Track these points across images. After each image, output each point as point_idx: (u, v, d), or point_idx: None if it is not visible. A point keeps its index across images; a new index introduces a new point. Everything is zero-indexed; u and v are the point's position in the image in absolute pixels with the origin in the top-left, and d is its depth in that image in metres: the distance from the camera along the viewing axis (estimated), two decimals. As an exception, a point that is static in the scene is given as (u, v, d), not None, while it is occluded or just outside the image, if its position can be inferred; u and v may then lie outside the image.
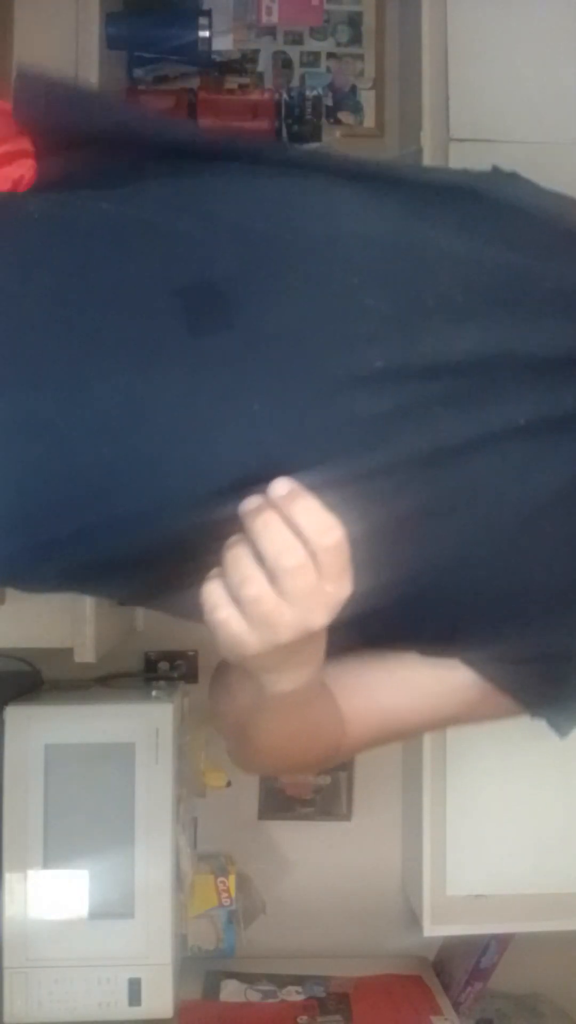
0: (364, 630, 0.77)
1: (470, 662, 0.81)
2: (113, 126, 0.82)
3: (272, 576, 0.65)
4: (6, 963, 1.64)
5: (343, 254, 0.74)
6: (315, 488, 0.68)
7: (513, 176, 0.85)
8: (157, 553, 0.73)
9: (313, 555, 0.65)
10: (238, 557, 0.66)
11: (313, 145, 2.07)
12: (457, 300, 0.73)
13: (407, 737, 0.92)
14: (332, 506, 0.67)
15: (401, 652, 0.82)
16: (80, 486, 0.71)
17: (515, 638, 0.78)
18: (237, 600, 0.66)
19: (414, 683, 0.83)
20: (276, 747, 0.83)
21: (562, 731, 0.83)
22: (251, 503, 0.67)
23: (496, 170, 0.86)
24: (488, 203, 0.80)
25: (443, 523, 0.73)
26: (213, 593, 0.67)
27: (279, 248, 0.74)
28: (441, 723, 0.94)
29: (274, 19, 2.07)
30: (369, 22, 2.15)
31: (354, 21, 2.15)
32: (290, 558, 0.65)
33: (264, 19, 2.07)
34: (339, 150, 1.10)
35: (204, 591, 0.67)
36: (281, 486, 0.67)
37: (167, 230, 0.75)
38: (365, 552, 0.68)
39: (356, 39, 2.15)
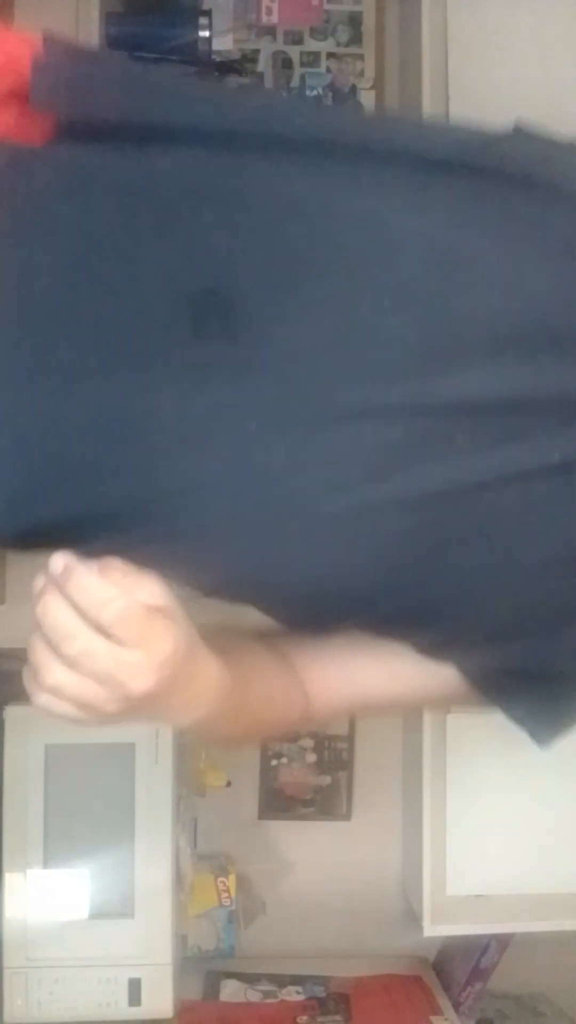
0: (357, 624, 0.77)
1: (460, 668, 0.80)
2: (144, 107, 0.74)
3: (67, 662, 0.64)
4: (6, 963, 1.64)
5: (380, 271, 0.67)
6: (116, 549, 0.65)
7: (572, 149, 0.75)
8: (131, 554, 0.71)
9: (105, 629, 0.63)
10: (34, 648, 0.65)
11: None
12: (499, 331, 0.67)
13: (383, 714, 0.94)
14: (145, 564, 0.65)
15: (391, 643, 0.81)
16: (67, 478, 0.69)
17: (510, 653, 0.77)
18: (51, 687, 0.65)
19: (398, 672, 0.82)
20: (222, 737, 0.84)
21: (542, 743, 0.82)
22: (35, 584, 0.65)
23: (519, 130, 0.77)
24: (561, 201, 0.71)
25: (453, 558, 0.70)
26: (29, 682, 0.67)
27: (309, 260, 0.68)
28: (417, 706, 0.98)
29: (274, 19, 2.07)
30: (369, 22, 2.15)
31: (354, 21, 2.15)
32: (70, 645, 0.64)
33: (264, 19, 2.06)
34: (396, 121, 0.97)
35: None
36: (56, 562, 0.64)
37: (188, 223, 0.69)
38: (355, 574, 0.68)
39: (356, 39, 2.15)
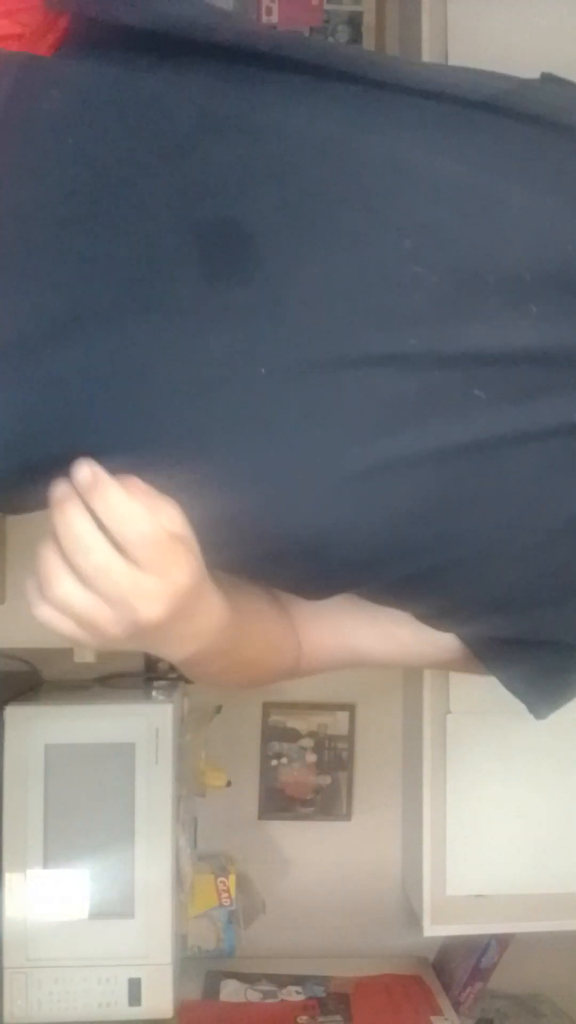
0: (362, 591, 0.75)
1: (462, 636, 0.79)
2: (154, 21, 0.69)
3: (79, 576, 0.61)
4: (6, 963, 1.64)
5: (401, 211, 0.63)
6: (142, 467, 0.62)
7: None
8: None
9: (124, 548, 0.60)
10: (45, 557, 0.62)
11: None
12: (524, 279, 0.63)
13: (375, 667, 0.91)
14: (167, 487, 0.62)
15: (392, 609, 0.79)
16: (67, 424, 0.66)
17: (516, 622, 0.75)
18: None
19: (397, 637, 0.81)
20: (203, 679, 0.81)
21: (539, 714, 0.80)
22: (57, 491, 0.62)
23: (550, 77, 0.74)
24: None
25: (468, 519, 0.66)
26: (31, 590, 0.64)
27: (327, 195, 0.64)
28: (410, 667, 0.91)
29: (274, 19, 2.07)
30: (369, 22, 2.15)
31: (354, 21, 2.15)
32: (86, 559, 0.60)
33: (264, 19, 2.06)
34: (419, 62, 0.92)
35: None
36: (82, 470, 0.61)
37: (200, 155, 0.64)
38: (371, 533, 0.64)
39: (356, 39, 2.14)
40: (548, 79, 0.75)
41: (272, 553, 0.69)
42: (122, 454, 0.64)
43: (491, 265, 0.63)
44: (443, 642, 0.80)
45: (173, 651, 0.70)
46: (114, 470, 0.63)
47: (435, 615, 0.78)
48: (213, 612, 0.69)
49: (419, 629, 0.79)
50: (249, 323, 0.63)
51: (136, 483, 0.62)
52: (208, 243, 0.63)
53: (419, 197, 0.64)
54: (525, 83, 0.73)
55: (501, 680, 0.80)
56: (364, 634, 0.82)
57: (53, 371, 0.65)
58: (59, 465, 0.64)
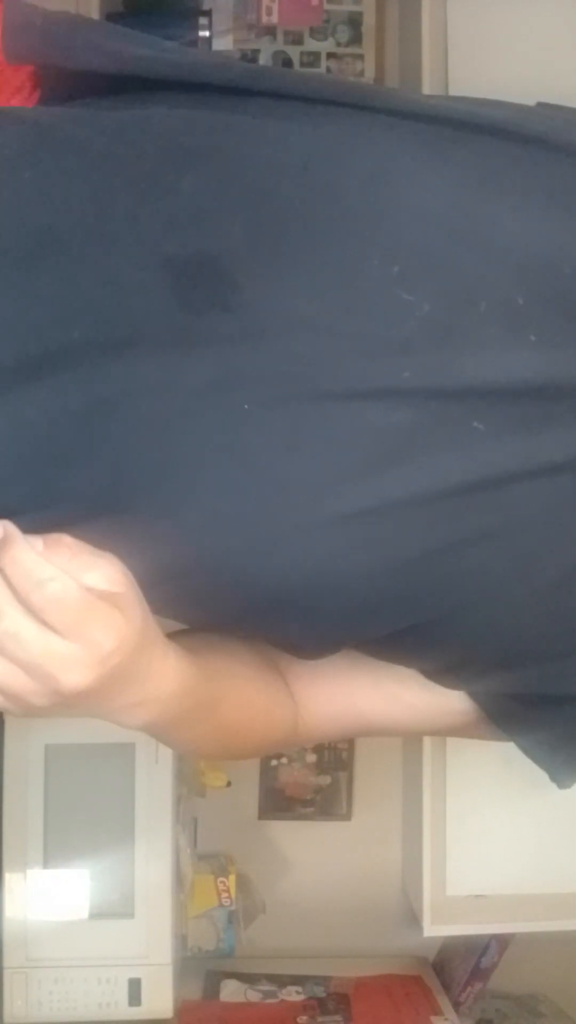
0: (361, 642, 0.70)
1: (471, 693, 0.73)
2: (114, 63, 0.67)
3: None
4: (6, 963, 1.64)
5: (384, 234, 0.59)
6: (107, 514, 0.58)
7: None
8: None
9: (36, 613, 0.55)
10: None
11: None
12: (517, 303, 0.59)
13: (381, 735, 0.83)
14: (137, 538, 0.58)
15: (396, 666, 0.74)
16: (31, 468, 0.61)
17: (531, 677, 0.68)
18: None
19: (401, 699, 0.75)
20: (180, 749, 0.75)
21: (562, 784, 0.75)
22: None
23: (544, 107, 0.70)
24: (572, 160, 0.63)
25: (470, 562, 0.61)
26: None
27: (305, 221, 0.60)
28: (419, 735, 0.84)
29: (274, 19, 2.07)
30: (369, 22, 2.15)
31: (354, 21, 2.14)
32: None
33: (264, 19, 2.06)
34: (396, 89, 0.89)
35: None
36: None
37: (168, 187, 0.61)
38: (368, 581, 0.60)
39: (356, 39, 2.14)
40: (543, 106, 0.72)
41: (258, 607, 0.64)
42: (86, 501, 0.61)
43: (483, 290, 0.59)
44: (453, 703, 0.73)
45: (125, 720, 0.64)
46: (75, 519, 0.60)
47: (442, 670, 0.71)
48: (166, 676, 0.63)
49: (426, 688, 0.73)
50: (229, 354, 0.58)
51: (62, 540, 0.57)
52: (182, 274, 0.59)
53: (405, 219, 0.60)
54: (521, 108, 0.69)
55: (522, 748, 0.74)
56: (367, 696, 0.75)
57: (20, 413, 0.60)
58: (15, 513, 0.59)
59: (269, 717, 0.74)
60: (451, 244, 0.60)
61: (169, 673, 0.63)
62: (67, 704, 0.59)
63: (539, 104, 0.72)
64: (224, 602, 0.65)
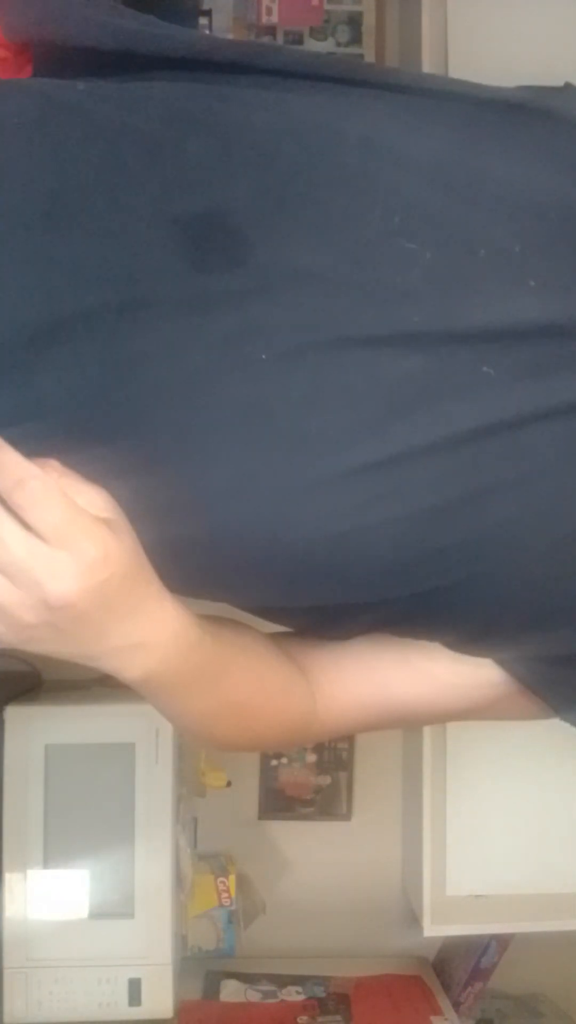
0: (383, 618, 0.69)
1: (499, 660, 0.72)
2: (113, 38, 0.68)
3: None
4: (6, 963, 1.64)
5: (383, 189, 0.62)
6: (129, 474, 0.58)
7: None
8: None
9: (20, 515, 0.55)
10: None
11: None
12: (513, 251, 0.61)
13: (411, 725, 0.82)
14: (158, 502, 0.58)
15: (422, 641, 0.72)
16: (59, 447, 0.60)
17: (554, 635, 0.67)
18: None
19: (432, 675, 0.73)
20: (192, 728, 0.73)
21: None
22: None
23: (570, 86, 0.73)
24: (566, 126, 0.67)
25: (490, 512, 0.61)
26: None
27: (307, 179, 0.62)
28: (453, 717, 0.80)
29: (274, 19, 2.07)
30: (369, 22, 2.15)
31: (354, 21, 2.14)
32: None
33: (264, 19, 2.06)
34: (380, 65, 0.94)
35: None
36: None
37: (174, 150, 0.62)
38: (384, 535, 0.59)
39: (356, 39, 2.14)
40: (522, 88, 0.74)
41: (283, 576, 0.63)
42: (109, 473, 0.60)
43: (480, 237, 0.61)
44: (486, 674, 0.72)
45: (122, 666, 0.63)
46: (97, 476, 0.59)
47: (470, 639, 0.70)
48: (164, 620, 0.62)
49: (456, 661, 0.71)
50: (244, 308, 0.59)
51: (50, 463, 0.57)
52: (193, 234, 0.60)
53: (400, 175, 0.62)
54: (500, 87, 0.72)
55: (557, 711, 0.71)
56: (396, 674, 0.73)
57: (39, 383, 0.61)
58: None
59: (285, 699, 0.72)
60: (445, 196, 0.62)
61: (167, 619, 0.63)
62: (59, 628, 0.58)
63: (518, 87, 0.75)
64: (249, 574, 0.64)
